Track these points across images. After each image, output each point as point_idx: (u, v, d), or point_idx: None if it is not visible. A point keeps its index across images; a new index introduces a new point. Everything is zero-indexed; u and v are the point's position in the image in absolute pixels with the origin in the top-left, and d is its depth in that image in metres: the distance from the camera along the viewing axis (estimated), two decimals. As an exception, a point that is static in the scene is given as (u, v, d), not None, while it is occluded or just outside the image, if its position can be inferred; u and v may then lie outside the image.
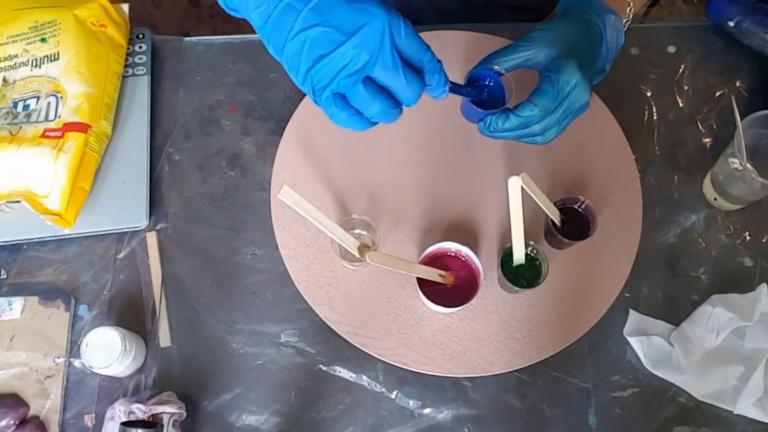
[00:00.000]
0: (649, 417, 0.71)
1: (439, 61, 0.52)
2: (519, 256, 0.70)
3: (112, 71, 0.81)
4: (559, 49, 0.61)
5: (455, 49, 0.85)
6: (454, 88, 0.58)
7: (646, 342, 0.72)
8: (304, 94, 0.83)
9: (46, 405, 0.70)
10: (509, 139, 0.63)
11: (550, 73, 0.60)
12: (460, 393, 0.72)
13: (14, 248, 0.77)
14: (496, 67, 0.63)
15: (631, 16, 0.69)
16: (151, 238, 0.78)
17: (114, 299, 0.75)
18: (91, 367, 0.66)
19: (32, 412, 0.69)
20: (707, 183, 0.80)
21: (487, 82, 0.64)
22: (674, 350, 0.71)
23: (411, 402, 0.72)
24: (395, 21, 0.48)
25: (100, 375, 0.71)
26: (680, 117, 0.85)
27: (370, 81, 0.49)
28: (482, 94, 0.64)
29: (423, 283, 0.69)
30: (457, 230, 0.77)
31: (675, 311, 0.75)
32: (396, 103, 0.51)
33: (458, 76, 0.66)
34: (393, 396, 0.72)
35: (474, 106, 0.63)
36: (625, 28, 0.69)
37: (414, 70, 0.51)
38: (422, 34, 0.88)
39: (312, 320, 0.74)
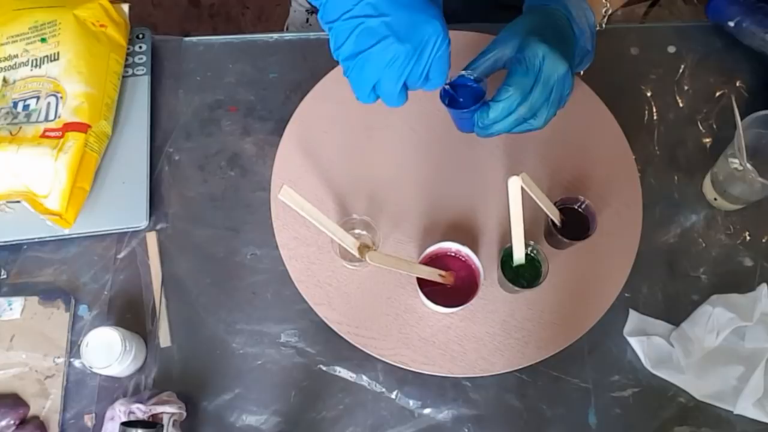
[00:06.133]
0: (649, 417, 0.71)
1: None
2: (519, 256, 0.70)
3: (112, 71, 0.81)
4: (522, 37, 0.63)
5: (455, 48, 0.83)
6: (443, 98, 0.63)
7: (646, 342, 0.72)
8: (304, 94, 0.83)
9: (46, 405, 0.70)
10: (509, 133, 0.63)
11: (516, 54, 0.62)
12: (460, 393, 0.72)
13: (14, 248, 0.77)
14: (467, 72, 0.64)
15: (609, 4, 0.70)
16: (151, 238, 0.78)
17: (114, 299, 0.75)
18: (91, 367, 0.66)
19: (32, 412, 0.69)
20: (707, 183, 0.80)
21: (468, 86, 0.65)
22: (674, 350, 0.71)
23: (411, 402, 0.72)
24: (443, 30, 0.56)
25: (100, 375, 0.71)
26: (680, 117, 0.85)
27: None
28: (463, 98, 0.65)
29: (423, 283, 0.69)
30: (457, 230, 0.77)
31: (675, 311, 0.75)
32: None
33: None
34: (393, 396, 0.72)
35: (461, 117, 0.64)
36: (607, 17, 0.70)
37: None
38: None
39: (312, 320, 0.74)
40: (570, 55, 0.64)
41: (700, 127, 0.84)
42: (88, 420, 0.70)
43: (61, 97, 0.76)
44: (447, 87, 0.64)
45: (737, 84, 0.86)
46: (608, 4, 0.70)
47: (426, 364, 0.71)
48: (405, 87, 0.58)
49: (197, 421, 0.71)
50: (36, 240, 0.76)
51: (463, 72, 0.65)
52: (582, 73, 0.85)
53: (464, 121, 0.65)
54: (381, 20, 0.54)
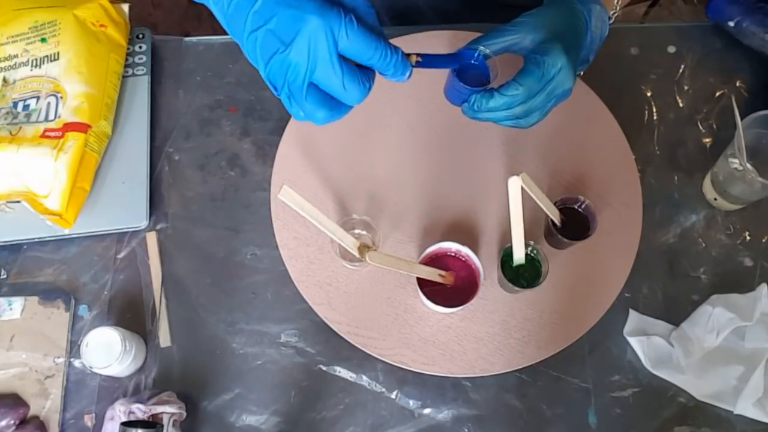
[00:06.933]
0: (649, 417, 0.71)
1: (394, 50, 0.50)
2: (519, 256, 0.70)
3: (112, 71, 0.81)
4: (545, 34, 0.62)
5: (455, 48, 0.84)
6: (431, 62, 0.57)
7: (646, 342, 0.72)
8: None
9: (46, 405, 0.70)
10: (492, 122, 0.62)
11: (536, 55, 0.60)
12: (460, 393, 0.72)
13: (14, 248, 0.77)
14: (482, 48, 0.63)
15: (618, 9, 0.69)
16: (151, 238, 0.78)
17: (114, 299, 0.75)
18: (91, 367, 0.66)
19: (32, 412, 0.69)
20: (707, 183, 0.80)
21: (472, 61, 0.63)
22: (674, 350, 0.71)
23: (411, 402, 0.72)
24: (336, 22, 0.46)
25: (100, 375, 0.71)
26: (680, 117, 0.85)
27: (314, 87, 0.49)
28: (463, 66, 0.63)
29: (423, 283, 0.69)
30: (457, 230, 0.77)
31: (675, 311, 0.75)
32: (341, 105, 0.51)
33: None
34: (393, 396, 0.72)
35: (458, 89, 0.62)
36: (612, 21, 0.69)
37: (362, 69, 0.50)
38: (422, 34, 0.89)
39: (312, 320, 0.74)
40: (576, 65, 0.64)
41: (700, 127, 0.84)
42: (88, 420, 0.70)
43: (61, 97, 0.76)
44: (456, 53, 0.62)
45: (737, 84, 0.86)
46: (617, 7, 0.70)
47: (426, 364, 0.71)
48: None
49: (197, 421, 0.71)
50: (36, 240, 0.76)
51: (478, 46, 0.62)
52: (582, 73, 0.85)
53: (457, 93, 0.63)
54: (266, 29, 0.47)
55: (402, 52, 0.52)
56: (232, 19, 0.50)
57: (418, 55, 0.56)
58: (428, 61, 0.57)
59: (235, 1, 0.49)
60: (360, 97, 0.50)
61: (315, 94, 0.49)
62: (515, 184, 0.65)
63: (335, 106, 0.51)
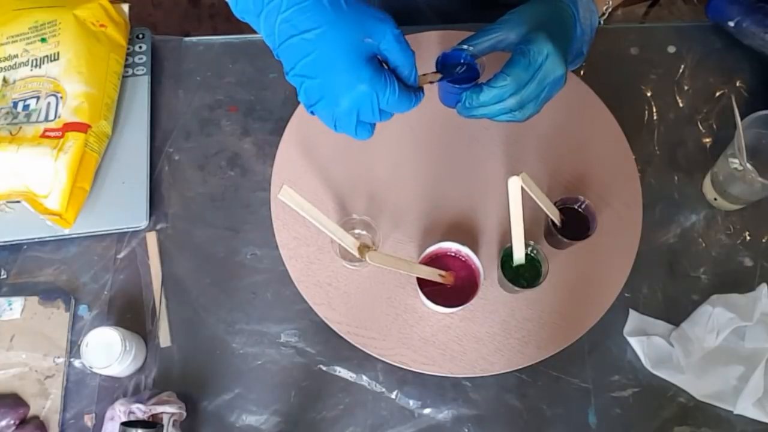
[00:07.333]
0: (649, 417, 0.71)
1: (418, 98, 0.57)
2: (519, 256, 0.70)
3: (112, 71, 0.81)
4: (530, 27, 0.62)
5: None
6: (452, 74, 0.61)
7: (646, 342, 0.72)
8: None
9: (46, 405, 0.70)
10: (488, 118, 0.62)
11: (521, 45, 0.61)
12: (460, 393, 0.72)
13: (14, 248, 0.77)
14: (470, 48, 0.63)
15: (611, 3, 0.70)
16: (151, 238, 0.78)
17: (114, 299, 0.75)
18: (91, 367, 0.66)
19: (32, 412, 0.69)
20: (707, 183, 0.80)
21: (461, 62, 0.64)
22: (674, 350, 0.71)
23: (411, 402, 0.72)
24: (381, 89, 0.53)
25: (100, 375, 0.71)
26: (680, 117, 0.85)
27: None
28: (455, 72, 0.64)
29: (423, 283, 0.69)
30: (457, 230, 0.77)
31: (675, 311, 0.75)
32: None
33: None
34: (393, 396, 0.72)
35: (449, 90, 0.63)
36: (606, 15, 0.69)
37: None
38: (422, 34, 0.89)
39: (312, 320, 0.74)
40: (566, 53, 0.64)
41: (700, 127, 0.84)
42: (88, 420, 0.70)
43: (61, 97, 0.76)
44: (444, 56, 0.63)
45: (737, 84, 0.86)
46: (610, 2, 0.70)
47: (426, 364, 0.71)
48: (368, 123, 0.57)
49: (197, 421, 0.71)
50: (36, 240, 0.76)
51: (463, 46, 0.64)
52: (582, 72, 0.85)
53: (450, 96, 0.64)
54: (317, 81, 0.53)
55: (422, 94, 0.58)
56: (282, 53, 0.54)
57: (436, 72, 0.62)
58: (448, 73, 0.63)
59: (289, 41, 0.53)
60: (365, 138, 0.58)
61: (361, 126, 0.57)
62: (515, 184, 0.65)
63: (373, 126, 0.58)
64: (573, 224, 0.72)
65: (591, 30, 0.68)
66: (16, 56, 0.79)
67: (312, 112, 0.56)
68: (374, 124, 0.58)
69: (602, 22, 0.70)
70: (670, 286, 0.76)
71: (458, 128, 0.81)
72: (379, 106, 0.54)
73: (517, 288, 0.70)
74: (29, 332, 0.72)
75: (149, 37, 0.87)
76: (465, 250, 0.71)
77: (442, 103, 0.67)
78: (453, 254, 0.72)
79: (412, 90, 0.56)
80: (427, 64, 0.64)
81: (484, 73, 0.64)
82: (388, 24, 0.54)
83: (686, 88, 0.86)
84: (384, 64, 0.55)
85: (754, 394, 0.69)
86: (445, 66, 0.64)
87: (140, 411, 0.64)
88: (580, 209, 0.73)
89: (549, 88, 0.61)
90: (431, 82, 0.61)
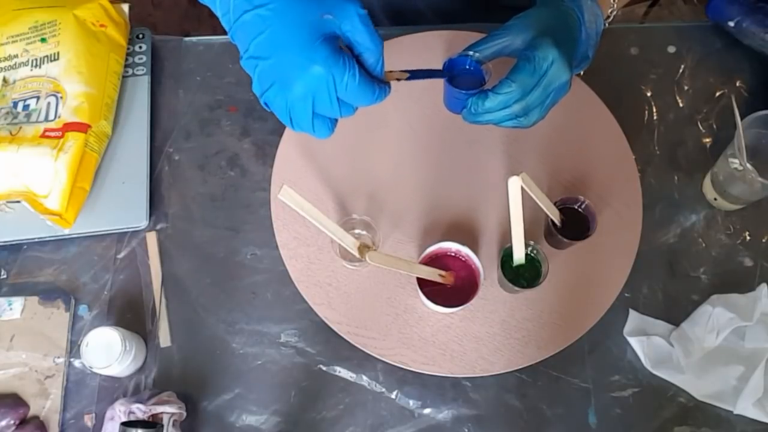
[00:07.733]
0: (649, 417, 0.71)
1: (384, 92, 0.53)
2: (519, 256, 0.70)
3: (112, 71, 0.81)
4: (535, 32, 0.62)
5: (454, 49, 0.84)
6: (423, 74, 0.59)
7: (646, 342, 0.72)
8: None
9: (46, 405, 0.70)
10: (494, 124, 0.62)
11: (526, 51, 0.60)
12: (460, 393, 0.72)
13: (14, 248, 0.77)
14: (476, 54, 0.63)
15: (616, 7, 0.70)
16: (151, 238, 0.78)
17: (114, 299, 0.75)
18: (91, 367, 0.66)
19: (32, 412, 0.69)
20: (707, 183, 0.80)
21: (466, 67, 0.64)
22: (674, 350, 0.71)
23: (411, 402, 0.72)
24: (339, 74, 0.49)
25: (100, 375, 0.71)
26: (680, 117, 0.85)
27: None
28: (459, 76, 0.64)
29: (423, 283, 0.69)
30: (457, 230, 0.77)
31: (675, 311, 0.75)
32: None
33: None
34: (393, 396, 0.72)
35: (455, 96, 0.63)
36: (610, 19, 0.69)
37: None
38: (422, 34, 0.89)
39: (312, 320, 0.74)
40: (571, 58, 0.64)
41: (700, 127, 0.84)
42: (88, 420, 0.70)
43: (61, 97, 0.76)
44: (450, 61, 0.63)
45: (737, 84, 0.86)
46: (615, 5, 0.70)
47: (426, 364, 0.71)
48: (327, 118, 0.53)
49: (197, 421, 0.71)
50: (36, 240, 0.76)
51: (469, 52, 0.64)
52: (582, 73, 0.85)
53: (456, 101, 0.64)
54: (269, 63, 0.49)
55: (389, 89, 0.54)
56: (235, 35, 0.51)
57: (405, 71, 0.58)
58: (419, 73, 0.59)
59: (242, 18, 0.49)
60: (325, 136, 0.54)
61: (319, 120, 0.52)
62: (515, 184, 0.65)
63: (333, 122, 0.54)
64: (573, 224, 0.72)
65: (596, 34, 0.68)
66: (16, 56, 0.79)
67: (266, 104, 0.52)
68: (335, 121, 0.53)
69: (606, 24, 0.70)
70: (670, 286, 0.76)
71: (459, 128, 0.81)
72: (336, 93, 0.49)
73: (517, 288, 0.70)
74: (29, 332, 0.72)
75: (149, 37, 0.87)
76: (465, 250, 0.71)
77: (448, 108, 0.67)
78: (453, 254, 0.72)
79: (376, 81, 0.52)
80: (427, 65, 0.64)
81: (490, 79, 0.64)
82: (352, 2, 0.49)
83: (686, 88, 0.86)
84: (348, 50, 0.51)
85: (754, 394, 0.69)
86: (452, 72, 0.64)
87: (140, 411, 0.64)
88: (580, 209, 0.73)
89: (554, 94, 0.61)
90: (398, 80, 0.58)
